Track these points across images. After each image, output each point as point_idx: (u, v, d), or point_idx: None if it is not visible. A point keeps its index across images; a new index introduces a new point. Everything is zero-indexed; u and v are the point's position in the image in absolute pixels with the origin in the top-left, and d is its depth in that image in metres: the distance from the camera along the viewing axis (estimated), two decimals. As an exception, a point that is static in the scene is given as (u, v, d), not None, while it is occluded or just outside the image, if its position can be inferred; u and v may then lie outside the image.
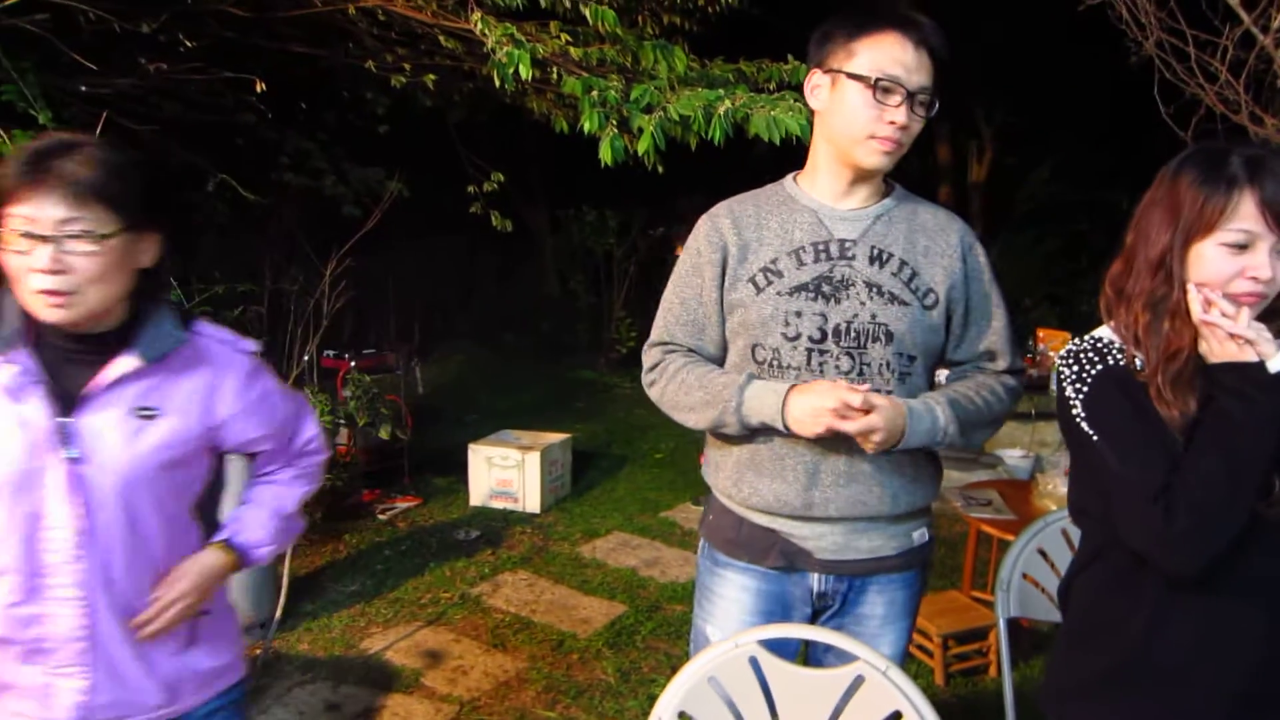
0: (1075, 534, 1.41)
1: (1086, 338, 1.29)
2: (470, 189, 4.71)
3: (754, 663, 1.40)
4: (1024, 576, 1.83)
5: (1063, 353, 1.30)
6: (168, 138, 4.30)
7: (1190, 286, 1.20)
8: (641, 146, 2.62)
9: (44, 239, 1.16)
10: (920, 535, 1.66)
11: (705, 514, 1.74)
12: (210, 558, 1.37)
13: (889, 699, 1.35)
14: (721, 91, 2.71)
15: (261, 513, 1.46)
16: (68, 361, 1.25)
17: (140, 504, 1.27)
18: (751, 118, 2.60)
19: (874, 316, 1.54)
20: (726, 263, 1.58)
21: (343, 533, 4.29)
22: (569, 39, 3.05)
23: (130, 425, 1.25)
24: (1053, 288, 8.62)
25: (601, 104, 2.62)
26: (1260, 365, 1.15)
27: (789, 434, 1.50)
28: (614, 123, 2.63)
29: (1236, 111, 2.88)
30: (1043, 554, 1.86)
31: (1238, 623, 1.19)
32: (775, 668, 1.40)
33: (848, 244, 1.56)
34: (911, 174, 8.82)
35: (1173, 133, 2.97)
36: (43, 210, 1.15)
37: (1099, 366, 1.24)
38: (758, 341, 1.56)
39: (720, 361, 1.66)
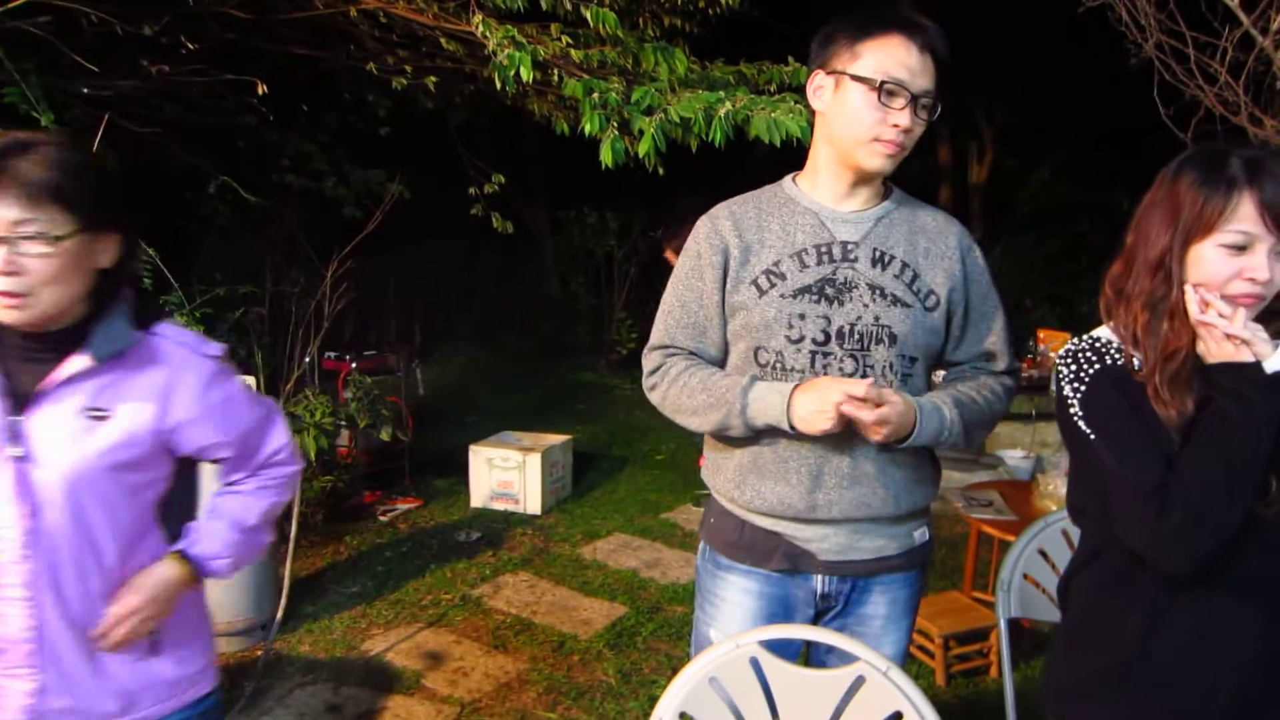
0: (1076, 534, 1.41)
1: (1085, 337, 1.30)
2: (471, 191, 4.72)
3: (755, 663, 1.40)
4: (1025, 577, 1.83)
5: (1061, 352, 1.31)
6: (169, 139, 4.31)
7: (1188, 287, 1.20)
8: (642, 148, 2.62)
9: None
10: (921, 534, 1.67)
11: (705, 517, 1.73)
12: (164, 570, 1.33)
13: (890, 700, 1.35)
14: (722, 93, 2.71)
15: (220, 524, 1.40)
16: (24, 360, 1.24)
17: (89, 505, 1.24)
18: (752, 120, 2.60)
19: (877, 319, 1.54)
20: (728, 265, 1.57)
21: (344, 534, 4.29)
22: (570, 41, 3.05)
23: (79, 425, 1.23)
24: (1053, 288, 8.62)
25: (602, 106, 2.63)
26: (1257, 366, 1.15)
27: (795, 434, 1.50)
28: (615, 125, 2.63)
29: (1236, 113, 2.88)
30: (1043, 554, 1.87)
31: (1235, 622, 1.20)
32: (776, 668, 1.40)
33: (850, 246, 1.56)
34: (912, 175, 8.83)
35: (1172, 134, 2.97)
36: None
37: (1097, 366, 1.25)
38: (761, 344, 1.56)
39: (721, 364, 1.65)
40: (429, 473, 5.22)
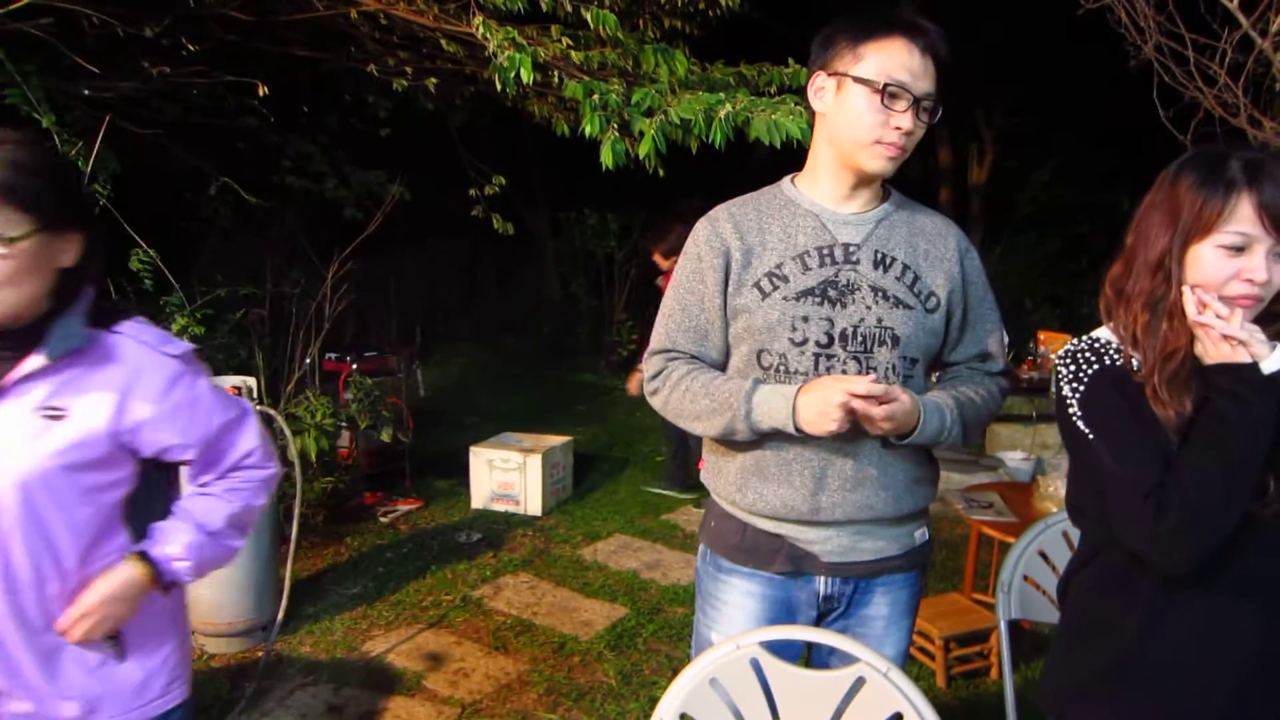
0: (1076, 536, 1.42)
1: (1084, 338, 1.31)
2: (472, 192, 4.72)
3: (755, 664, 1.40)
4: (1025, 578, 1.83)
5: (1061, 353, 1.31)
6: (170, 141, 4.32)
7: (1185, 288, 1.21)
8: (642, 150, 2.62)
9: None
10: (921, 534, 1.67)
11: (706, 520, 1.72)
12: (123, 571, 1.30)
13: (890, 701, 1.35)
14: (722, 95, 2.71)
15: (183, 526, 1.36)
16: None
17: (45, 506, 1.22)
18: (752, 121, 2.60)
19: (880, 320, 1.54)
20: (729, 268, 1.56)
21: (344, 535, 4.29)
22: (570, 43, 3.05)
23: (33, 424, 1.21)
24: (1054, 290, 8.63)
25: (603, 107, 2.63)
26: (1254, 366, 1.16)
27: (800, 437, 1.49)
28: (615, 126, 2.64)
29: (1235, 114, 2.88)
30: (1044, 556, 1.87)
31: (1233, 621, 1.20)
32: (776, 669, 1.40)
33: (852, 248, 1.56)
34: (912, 177, 8.84)
35: (1172, 135, 2.98)
36: None
37: (1096, 366, 1.26)
38: (764, 347, 1.55)
39: (723, 368, 1.64)
40: (430, 474, 5.22)
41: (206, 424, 1.35)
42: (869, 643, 1.52)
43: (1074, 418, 1.25)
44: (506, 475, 4.74)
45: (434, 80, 4.12)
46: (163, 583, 1.34)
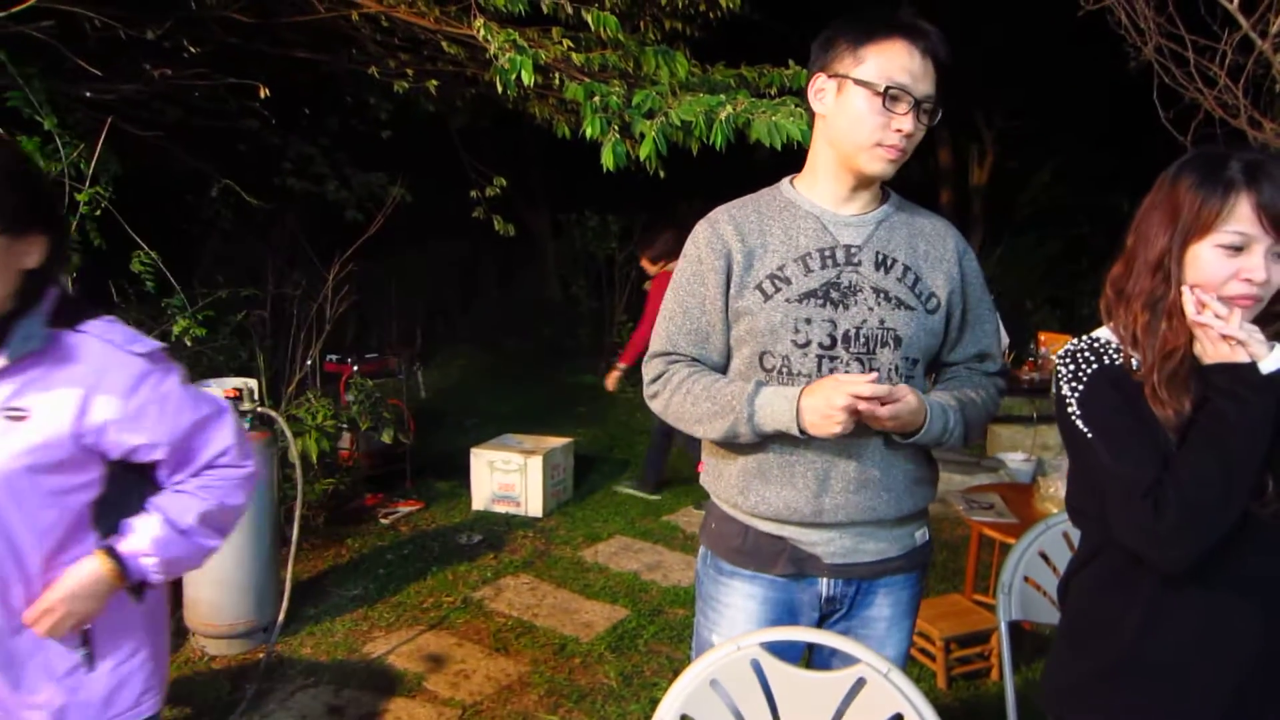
0: (1076, 537, 1.42)
1: (1084, 338, 1.31)
2: (472, 193, 4.73)
3: (756, 665, 1.40)
4: (1025, 579, 1.83)
5: (1060, 352, 1.31)
6: (172, 143, 4.33)
7: (1185, 288, 1.21)
8: (643, 152, 2.62)
9: None
10: (922, 535, 1.67)
11: (706, 522, 1.72)
12: (87, 565, 1.27)
13: (891, 701, 1.36)
14: (723, 97, 2.72)
15: (151, 521, 1.32)
16: None
17: (7, 508, 1.20)
18: (753, 123, 2.61)
19: (882, 322, 1.54)
20: (731, 270, 1.56)
21: (345, 537, 4.30)
22: (571, 45, 3.06)
23: None
24: (1054, 291, 8.63)
25: (603, 109, 2.63)
26: (1252, 366, 1.16)
27: (804, 438, 1.49)
28: (616, 128, 2.64)
29: (1235, 116, 2.89)
30: (1044, 557, 1.87)
31: (1233, 621, 1.21)
32: (777, 670, 1.40)
33: (853, 250, 1.56)
34: (913, 178, 8.83)
35: (1172, 137, 2.98)
36: None
37: (1095, 366, 1.26)
38: (766, 349, 1.55)
39: (723, 370, 1.64)
40: (430, 475, 5.22)
41: (176, 422, 1.31)
42: (871, 644, 1.52)
43: (1073, 417, 1.25)
44: (507, 477, 4.74)
45: (435, 82, 4.13)
46: (129, 580, 1.31)
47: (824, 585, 1.61)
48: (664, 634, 3.40)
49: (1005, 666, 1.76)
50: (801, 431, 1.47)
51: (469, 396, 7.52)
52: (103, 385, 1.25)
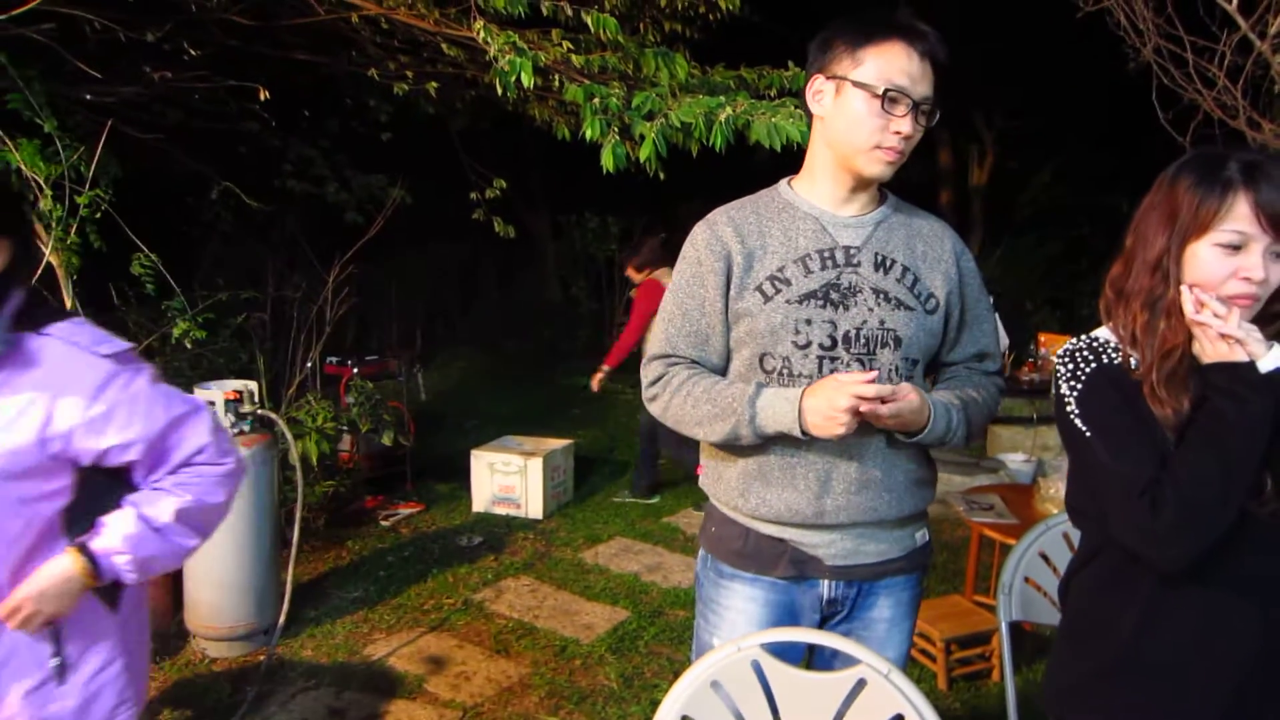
0: (1076, 537, 1.42)
1: (1083, 337, 1.31)
2: (472, 195, 4.73)
3: (756, 666, 1.40)
4: (1026, 580, 1.83)
5: (1060, 352, 1.32)
6: (172, 145, 4.33)
7: (1183, 287, 1.21)
8: (643, 153, 2.62)
9: None
10: (922, 536, 1.67)
11: (706, 525, 1.71)
12: (58, 562, 1.24)
13: (891, 702, 1.35)
14: (722, 98, 2.72)
15: (125, 518, 1.28)
16: None
17: None
18: (752, 124, 2.61)
19: (882, 322, 1.54)
20: (731, 271, 1.56)
21: (345, 539, 4.30)
22: (571, 47, 3.06)
23: None
24: (1054, 291, 8.63)
25: (603, 111, 2.63)
26: (1250, 365, 1.16)
27: (806, 440, 1.49)
28: (616, 129, 2.64)
29: (1234, 117, 2.89)
30: (1044, 558, 1.87)
31: (1231, 620, 1.21)
32: (778, 671, 1.40)
33: (852, 251, 1.56)
34: (913, 179, 8.84)
35: (1172, 137, 2.98)
36: None
37: (1093, 365, 1.27)
38: (767, 350, 1.54)
39: (723, 372, 1.63)
40: (430, 477, 5.22)
41: (148, 422, 1.28)
42: (871, 645, 1.51)
43: (1072, 416, 1.26)
44: (507, 478, 4.74)
45: (435, 84, 4.14)
46: (101, 579, 1.27)
47: (825, 587, 1.60)
48: (664, 635, 3.40)
49: (1006, 667, 1.76)
50: (804, 433, 1.47)
51: (469, 398, 7.52)
52: (68, 389, 1.22)
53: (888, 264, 1.56)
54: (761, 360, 1.55)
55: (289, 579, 3.11)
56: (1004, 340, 4.80)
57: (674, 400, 1.59)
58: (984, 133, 9.88)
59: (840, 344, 1.52)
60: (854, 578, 1.60)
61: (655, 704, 1.41)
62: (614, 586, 3.85)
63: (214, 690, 2.94)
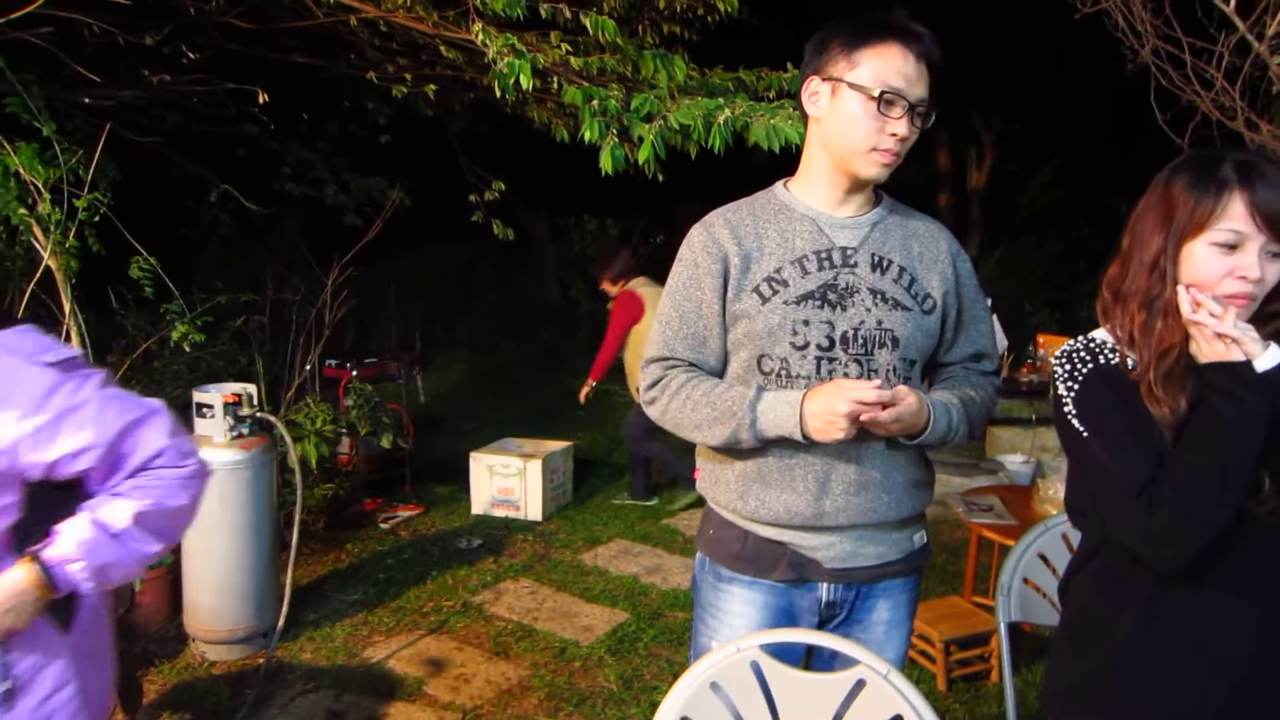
0: (1075, 538, 1.42)
1: (1080, 338, 1.32)
2: (471, 198, 4.74)
3: (755, 668, 1.40)
4: (1025, 581, 1.83)
5: (1058, 353, 1.32)
6: (171, 149, 4.34)
7: (1180, 287, 1.22)
8: (642, 155, 2.63)
9: None
10: (920, 538, 1.67)
11: (704, 528, 1.70)
12: (9, 575, 1.19)
13: (891, 703, 1.35)
14: (721, 100, 2.72)
15: (79, 524, 1.22)
16: None
17: None
18: (751, 126, 2.61)
19: (880, 323, 1.54)
20: (728, 273, 1.55)
21: (345, 541, 4.29)
22: (569, 49, 3.07)
23: None
24: (1053, 293, 8.64)
25: (602, 113, 2.64)
26: (1247, 364, 1.17)
27: (806, 443, 1.48)
28: (614, 132, 2.64)
29: (1232, 118, 2.89)
30: (1043, 559, 1.87)
31: (1229, 620, 1.21)
32: (777, 672, 1.40)
33: (849, 252, 1.56)
34: (912, 181, 8.86)
35: (1170, 139, 2.99)
36: None
37: (1090, 365, 1.27)
38: (765, 352, 1.54)
39: (721, 375, 1.63)
40: (430, 480, 5.22)
41: (99, 429, 1.22)
42: (869, 648, 1.51)
43: (1069, 416, 1.26)
44: (507, 481, 4.74)
45: (433, 87, 4.14)
46: (56, 589, 1.21)
47: (824, 590, 1.60)
48: (664, 637, 3.40)
49: (1005, 668, 1.76)
50: (805, 436, 1.47)
51: (468, 401, 7.52)
52: (8, 402, 1.17)
53: (884, 264, 1.56)
54: (759, 361, 1.55)
55: (288, 582, 3.10)
56: (1002, 342, 4.81)
57: (672, 404, 1.59)
58: (983, 134, 9.89)
59: (838, 344, 1.52)
60: (852, 580, 1.60)
61: (655, 705, 1.41)
62: (613, 588, 3.85)
63: (213, 693, 2.94)
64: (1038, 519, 2.48)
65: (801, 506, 1.54)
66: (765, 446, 1.54)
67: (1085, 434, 1.24)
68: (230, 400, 3.05)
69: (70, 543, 1.21)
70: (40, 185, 2.94)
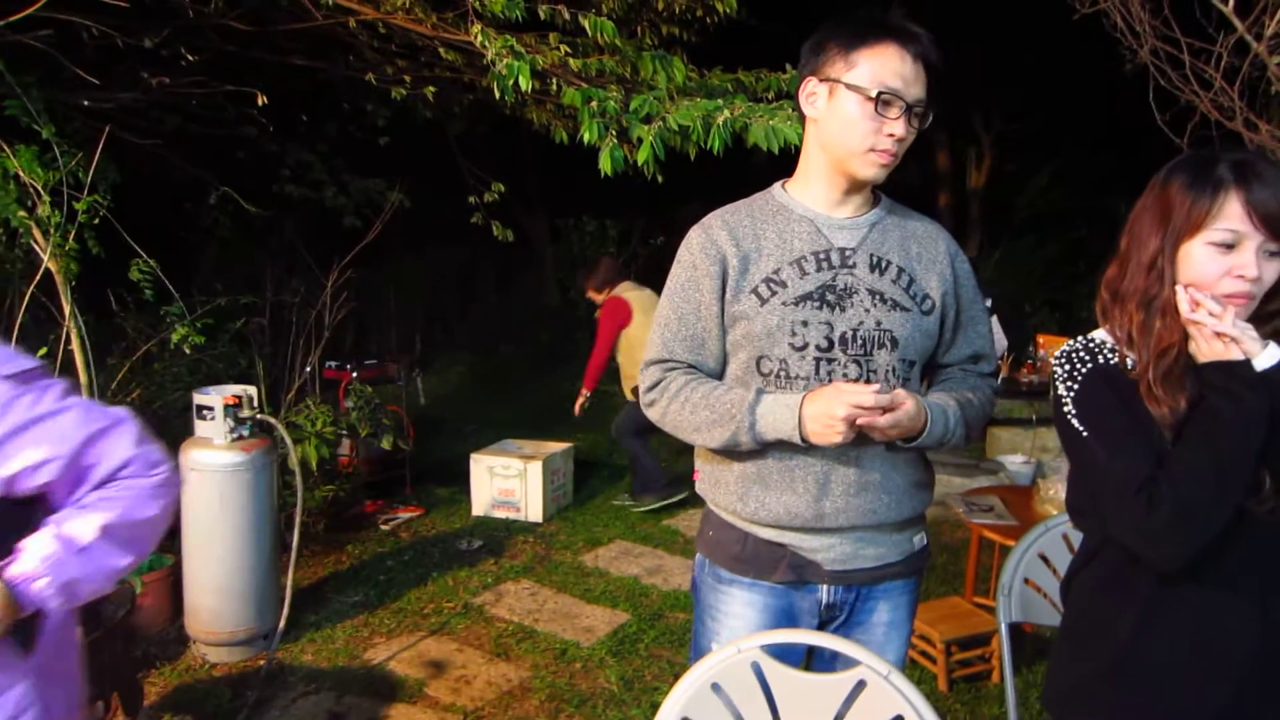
0: (1076, 538, 1.42)
1: (1079, 338, 1.32)
2: (470, 199, 4.74)
3: (756, 668, 1.40)
4: (1026, 581, 1.83)
5: (1057, 353, 1.32)
6: (170, 151, 4.34)
7: (1178, 287, 1.22)
8: (641, 156, 2.63)
9: None
10: (919, 540, 1.67)
11: (703, 530, 1.70)
12: None
13: (891, 703, 1.35)
14: (720, 101, 2.72)
15: (42, 539, 1.17)
16: None
17: None
18: (750, 127, 2.61)
19: (879, 323, 1.54)
20: (726, 274, 1.55)
21: (345, 543, 4.29)
22: (568, 50, 3.07)
23: None
24: (1052, 293, 8.64)
25: (601, 114, 2.64)
26: (1246, 363, 1.17)
27: (806, 445, 1.48)
28: (613, 133, 2.64)
29: (1231, 118, 2.89)
30: (1044, 559, 1.87)
31: (1228, 619, 1.21)
32: (778, 673, 1.40)
33: (848, 252, 1.56)
34: (911, 181, 8.86)
35: (1169, 139, 2.99)
36: None
37: (1090, 365, 1.27)
38: (763, 353, 1.54)
39: (720, 376, 1.63)
40: (430, 481, 5.22)
41: (60, 441, 1.19)
42: (869, 649, 1.51)
43: (1069, 416, 1.26)
44: (507, 482, 4.74)
45: (432, 88, 4.14)
46: (22, 608, 1.16)
47: (824, 592, 1.60)
48: (665, 638, 3.40)
49: (1006, 668, 1.76)
50: (803, 439, 1.47)
51: (468, 402, 7.52)
52: None
53: (883, 265, 1.56)
54: (758, 363, 1.55)
55: (289, 583, 3.11)
56: (1001, 342, 4.81)
57: (671, 406, 1.58)
58: (982, 135, 9.90)
59: (837, 345, 1.52)
60: (852, 582, 1.60)
61: (656, 706, 1.41)
62: (614, 589, 3.85)
63: (214, 695, 2.94)
64: (1038, 519, 2.48)
65: (801, 508, 1.54)
66: (765, 448, 1.54)
67: (1085, 434, 1.24)
68: (230, 402, 3.05)
69: (34, 559, 1.15)
70: (40, 188, 2.94)
